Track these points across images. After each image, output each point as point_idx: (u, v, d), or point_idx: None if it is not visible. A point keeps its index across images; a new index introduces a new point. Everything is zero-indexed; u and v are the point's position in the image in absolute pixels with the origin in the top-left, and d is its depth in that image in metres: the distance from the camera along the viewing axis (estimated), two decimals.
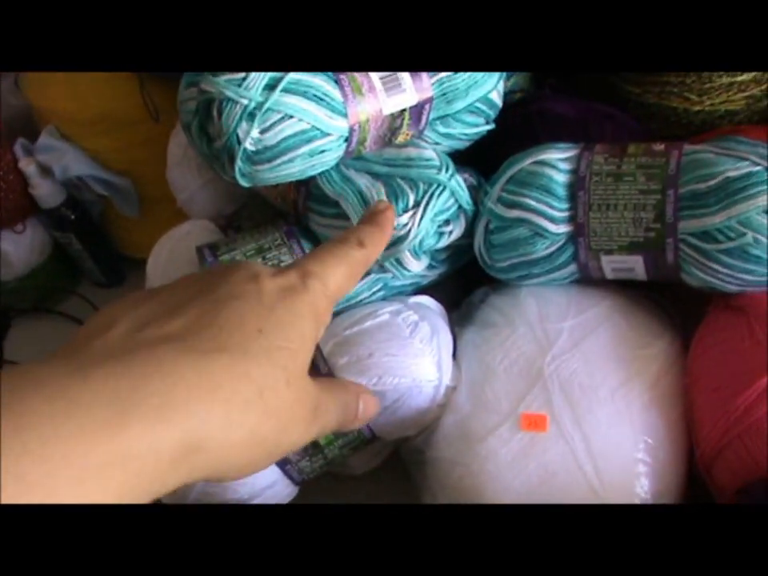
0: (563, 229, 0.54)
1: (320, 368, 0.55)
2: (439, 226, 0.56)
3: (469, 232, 0.58)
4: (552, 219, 0.54)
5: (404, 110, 0.53)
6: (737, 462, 0.48)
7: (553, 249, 0.55)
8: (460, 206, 0.56)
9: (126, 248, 0.83)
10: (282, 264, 0.57)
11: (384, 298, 0.60)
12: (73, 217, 0.78)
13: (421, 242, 0.55)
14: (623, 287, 0.59)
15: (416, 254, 0.55)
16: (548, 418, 0.51)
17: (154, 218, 0.76)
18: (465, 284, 0.64)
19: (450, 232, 0.57)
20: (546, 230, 0.54)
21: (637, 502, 0.50)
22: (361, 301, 0.60)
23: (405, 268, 0.56)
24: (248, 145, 0.48)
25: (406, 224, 0.53)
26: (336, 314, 0.59)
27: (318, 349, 0.56)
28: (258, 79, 0.48)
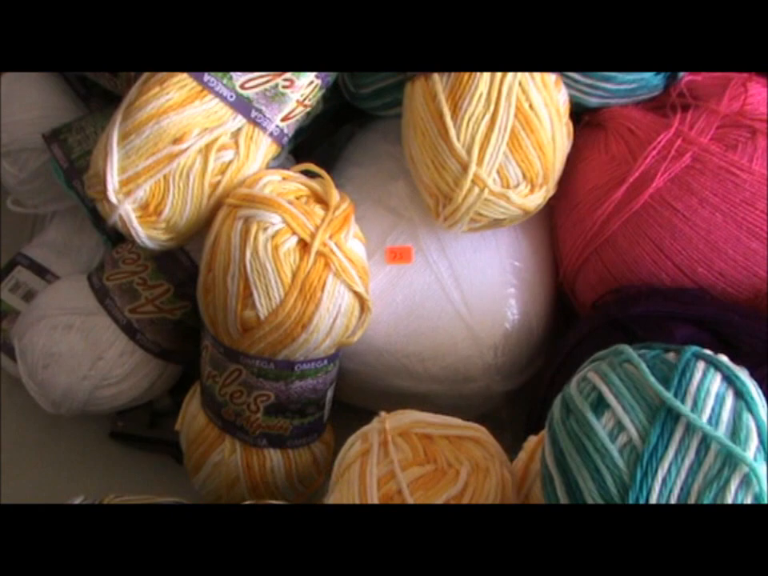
0: None
1: None
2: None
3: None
4: None
5: None
6: (595, 276, 0.48)
7: None
8: None
9: None
10: None
11: None
12: None
13: None
14: None
15: None
16: (413, 249, 0.51)
17: None
18: (333, 123, 0.61)
19: None
20: None
21: (506, 325, 0.51)
22: None
23: None
24: None
25: None
26: None
27: None
28: None
